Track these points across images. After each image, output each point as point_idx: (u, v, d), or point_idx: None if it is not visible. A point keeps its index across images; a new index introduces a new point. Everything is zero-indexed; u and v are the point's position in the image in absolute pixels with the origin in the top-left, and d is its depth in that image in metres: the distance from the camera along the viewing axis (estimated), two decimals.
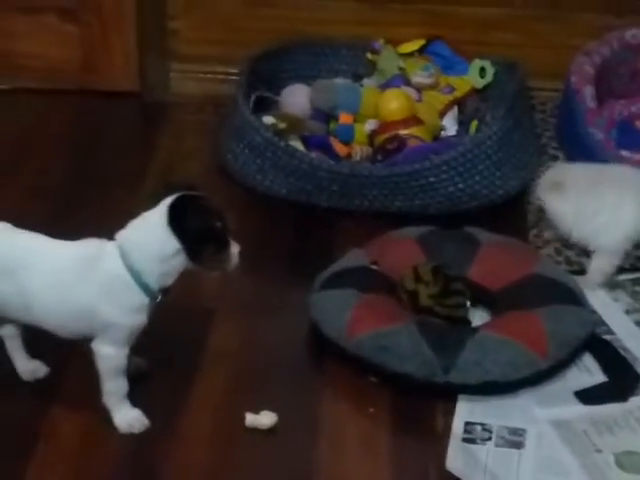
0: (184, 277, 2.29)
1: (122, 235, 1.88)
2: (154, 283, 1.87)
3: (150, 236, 1.86)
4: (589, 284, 2.25)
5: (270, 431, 1.93)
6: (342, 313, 2.10)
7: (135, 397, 1.97)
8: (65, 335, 1.93)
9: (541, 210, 2.30)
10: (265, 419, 1.93)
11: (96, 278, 1.86)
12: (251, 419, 1.93)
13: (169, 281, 1.89)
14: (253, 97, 2.76)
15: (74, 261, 1.89)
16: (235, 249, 1.93)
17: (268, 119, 2.69)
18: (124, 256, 1.85)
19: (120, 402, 1.93)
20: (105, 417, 1.93)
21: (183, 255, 1.86)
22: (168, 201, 1.86)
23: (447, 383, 1.99)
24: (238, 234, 2.47)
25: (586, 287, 2.23)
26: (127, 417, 1.93)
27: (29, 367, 2.04)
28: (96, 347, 1.89)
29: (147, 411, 1.95)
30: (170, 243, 1.84)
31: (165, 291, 1.90)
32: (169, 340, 2.13)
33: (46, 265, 1.89)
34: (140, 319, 1.89)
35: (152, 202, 1.88)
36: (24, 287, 1.88)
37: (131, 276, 1.85)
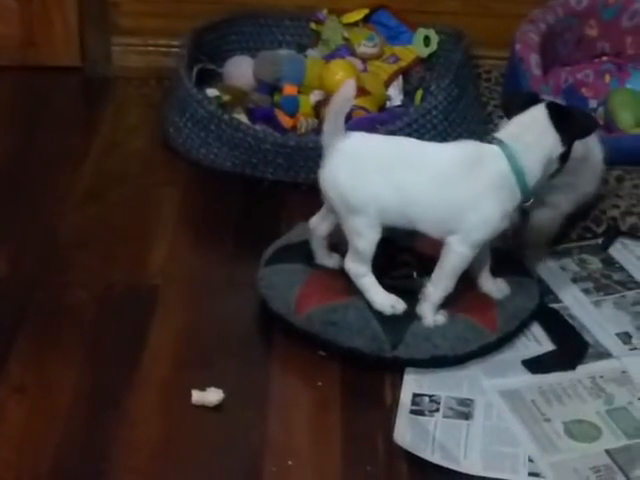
0: (127, 255, 2.30)
1: (507, 136, 1.95)
2: (530, 186, 1.95)
3: (540, 137, 1.94)
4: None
5: (218, 408, 1.91)
6: (290, 288, 2.08)
7: (80, 376, 1.95)
8: (432, 232, 1.98)
9: None
10: (212, 396, 1.91)
11: (482, 176, 1.93)
12: (198, 396, 1.91)
13: (537, 187, 1.97)
14: (196, 69, 2.73)
15: (459, 159, 1.96)
16: None
17: (212, 92, 2.67)
18: (510, 156, 1.93)
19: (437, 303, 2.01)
20: (49, 397, 1.91)
21: (558, 162, 1.96)
22: (541, 106, 1.96)
23: (395, 358, 1.99)
24: (182, 209, 2.49)
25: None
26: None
27: None
28: (454, 244, 1.96)
29: (92, 390, 1.93)
30: (557, 144, 1.95)
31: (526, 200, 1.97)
32: (114, 319, 2.11)
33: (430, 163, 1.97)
34: (505, 224, 1.96)
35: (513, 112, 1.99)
36: (403, 185, 1.94)
37: (515, 176, 1.93)
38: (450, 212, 1.96)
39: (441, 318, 2.01)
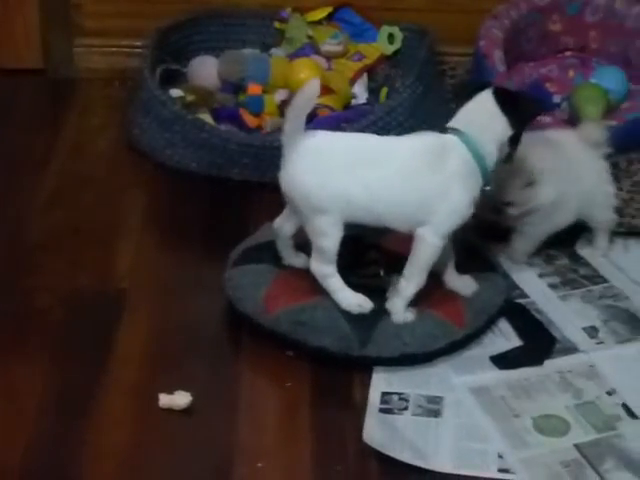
0: (94, 258, 2.28)
1: (460, 124, 1.98)
2: (490, 169, 1.98)
3: (490, 121, 1.97)
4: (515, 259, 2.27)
5: (186, 411, 1.90)
6: (258, 289, 2.08)
7: (47, 381, 1.94)
8: (400, 227, 1.98)
9: None
10: (180, 399, 1.90)
11: (446, 165, 1.95)
12: (165, 400, 1.90)
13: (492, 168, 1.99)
14: (159, 70, 2.71)
15: (421, 151, 1.97)
16: None
17: (176, 92, 2.66)
18: (469, 143, 1.95)
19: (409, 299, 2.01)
20: (16, 402, 1.89)
21: (508, 145, 1.99)
22: (488, 92, 1.98)
23: (364, 356, 1.98)
24: (148, 211, 2.47)
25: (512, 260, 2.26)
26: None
27: None
28: (426, 235, 1.96)
29: (59, 395, 1.92)
30: (506, 127, 1.97)
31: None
32: (81, 323, 2.10)
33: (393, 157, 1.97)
34: (471, 211, 1.98)
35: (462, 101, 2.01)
36: (369, 182, 1.94)
37: (476, 161, 1.96)
38: (418, 204, 1.96)
39: (410, 315, 2.01)
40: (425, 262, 1.99)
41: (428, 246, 1.97)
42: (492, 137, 1.98)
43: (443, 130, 2.00)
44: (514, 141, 2.01)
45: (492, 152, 1.98)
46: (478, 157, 1.97)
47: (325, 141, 1.99)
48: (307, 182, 1.95)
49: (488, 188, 2.00)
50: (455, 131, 1.99)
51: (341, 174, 1.94)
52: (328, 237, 1.97)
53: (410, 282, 2.00)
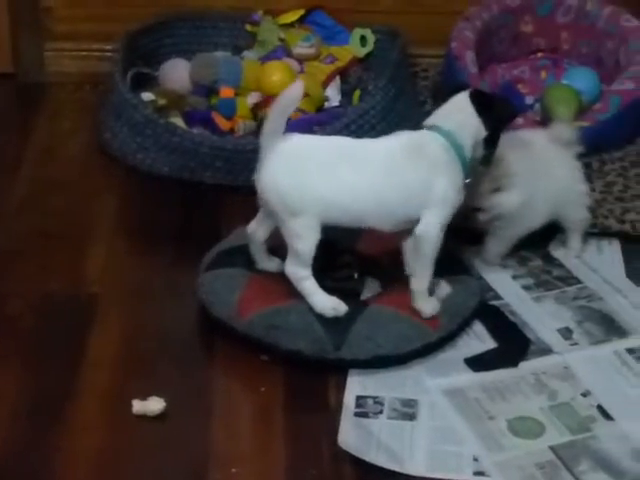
0: (65, 263, 2.26)
1: (436, 120, 2.01)
2: (468, 160, 1.99)
3: (465, 120, 2.00)
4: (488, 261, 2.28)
5: (160, 417, 1.89)
6: (232, 293, 2.07)
7: (19, 387, 1.92)
8: (383, 226, 1.99)
9: None
10: (153, 405, 1.89)
11: (425, 157, 1.97)
12: (139, 406, 1.89)
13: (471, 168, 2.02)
14: (130, 74, 2.70)
15: (399, 149, 1.99)
16: None
17: (147, 96, 2.65)
18: (446, 134, 1.98)
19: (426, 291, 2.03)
20: None
21: (483, 146, 2.02)
22: (464, 93, 2.01)
23: (339, 359, 1.98)
24: (120, 215, 2.46)
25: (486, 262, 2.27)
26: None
27: None
28: (424, 229, 1.97)
29: (32, 401, 1.91)
30: (480, 128, 2.00)
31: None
32: (52, 328, 2.08)
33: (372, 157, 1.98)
34: (461, 198, 1.99)
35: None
36: (349, 183, 1.95)
37: (454, 150, 1.98)
38: (403, 201, 1.97)
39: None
40: (430, 256, 2.00)
41: (429, 240, 1.99)
42: (467, 132, 2.00)
43: (419, 129, 2.02)
44: (490, 143, 2.02)
45: (468, 145, 2.00)
46: (457, 147, 1.98)
47: (303, 143, 1.99)
48: (284, 184, 1.94)
49: (468, 181, 2.02)
50: (431, 127, 2.00)
51: (319, 176, 1.94)
52: (304, 240, 1.96)
53: (422, 278, 2.02)
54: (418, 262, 2.01)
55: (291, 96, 1.96)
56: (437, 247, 2.00)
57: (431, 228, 1.98)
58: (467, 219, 2.17)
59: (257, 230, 2.07)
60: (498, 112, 2.03)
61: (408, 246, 2.03)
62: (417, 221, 1.99)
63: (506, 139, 2.12)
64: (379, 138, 2.05)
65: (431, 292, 2.05)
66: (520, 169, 2.17)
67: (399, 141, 2.00)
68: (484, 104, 2.01)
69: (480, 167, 2.07)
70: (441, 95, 2.07)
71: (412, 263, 2.03)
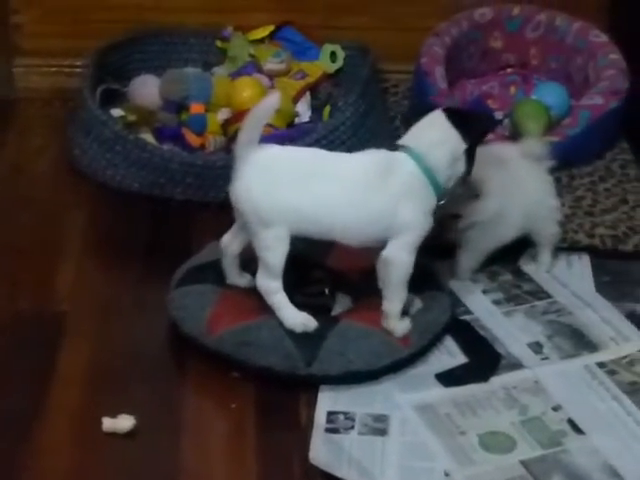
0: (33, 281, 2.25)
1: (409, 141, 2.00)
2: (442, 183, 1.98)
3: (441, 136, 1.98)
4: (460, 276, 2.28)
5: (130, 434, 1.87)
6: (202, 309, 2.06)
7: None
8: (350, 241, 1.99)
9: None
10: (123, 423, 1.87)
11: (393, 182, 1.96)
12: (109, 424, 1.88)
13: (449, 184, 2.00)
14: (100, 90, 2.69)
15: (369, 168, 1.98)
16: None
17: (117, 112, 2.64)
18: (416, 158, 1.96)
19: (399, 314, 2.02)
20: None
21: (464, 160, 2.00)
22: (438, 110, 2.01)
23: (310, 375, 1.97)
24: (89, 232, 2.45)
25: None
26: None
27: None
28: (391, 254, 1.96)
29: (1, 418, 1.89)
30: (459, 141, 1.98)
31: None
32: (20, 346, 2.07)
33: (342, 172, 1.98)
34: (430, 223, 1.98)
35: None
36: (319, 196, 1.94)
37: (425, 175, 1.96)
38: (367, 221, 1.97)
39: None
40: (399, 280, 1.99)
41: (397, 266, 1.98)
42: (443, 150, 1.98)
43: (393, 148, 2.01)
44: (469, 156, 2.01)
45: (442, 165, 1.98)
46: (428, 172, 1.97)
47: (276, 154, 1.99)
48: (256, 194, 1.94)
49: (442, 202, 2.01)
50: (404, 148, 1.99)
51: (291, 187, 1.94)
52: (273, 251, 1.96)
53: (392, 301, 2.01)
54: (388, 285, 2.01)
55: (267, 106, 1.96)
56: (407, 271, 1.99)
57: (398, 253, 1.97)
58: (443, 227, 2.17)
59: (231, 243, 2.07)
60: (475, 122, 2.04)
61: (379, 265, 2.03)
62: (385, 241, 1.99)
63: (479, 152, 2.13)
64: (355, 153, 2.05)
65: (405, 311, 2.05)
66: (496, 178, 2.17)
67: (371, 160, 2.00)
68: (460, 116, 2.01)
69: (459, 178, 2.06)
70: (416, 116, 2.06)
71: (383, 285, 2.02)
